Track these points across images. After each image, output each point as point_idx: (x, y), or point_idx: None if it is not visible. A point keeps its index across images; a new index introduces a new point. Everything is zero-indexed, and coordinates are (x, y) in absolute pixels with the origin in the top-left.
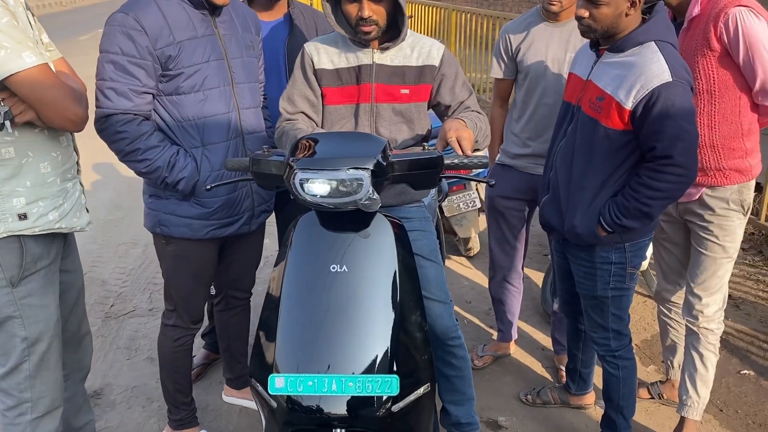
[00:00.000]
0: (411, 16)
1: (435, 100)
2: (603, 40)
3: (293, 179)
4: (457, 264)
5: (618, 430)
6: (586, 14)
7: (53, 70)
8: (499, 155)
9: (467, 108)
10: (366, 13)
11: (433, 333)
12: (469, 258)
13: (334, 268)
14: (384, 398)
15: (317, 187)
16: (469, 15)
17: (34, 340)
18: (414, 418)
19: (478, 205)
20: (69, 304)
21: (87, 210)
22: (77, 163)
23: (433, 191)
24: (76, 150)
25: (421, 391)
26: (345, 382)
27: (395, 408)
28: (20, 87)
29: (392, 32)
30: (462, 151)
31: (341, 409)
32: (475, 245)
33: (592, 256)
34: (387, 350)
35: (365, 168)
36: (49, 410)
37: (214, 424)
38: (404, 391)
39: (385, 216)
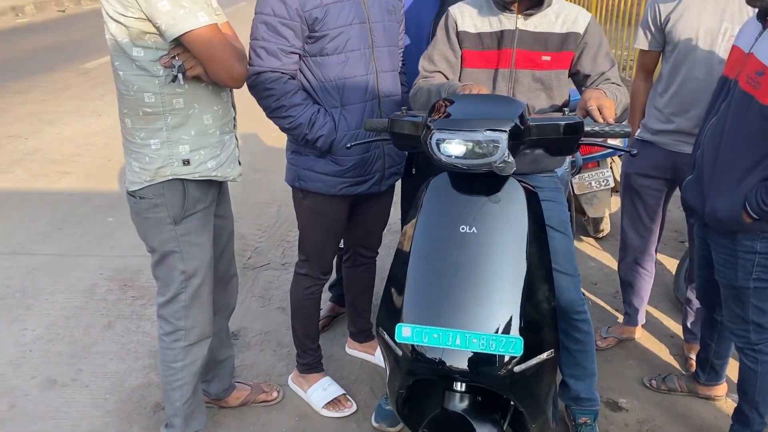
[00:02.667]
0: None
1: (575, 68)
2: None
3: (430, 139)
4: (584, 244)
5: (751, 425)
6: None
7: (221, 32)
8: (639, 130)
9: (607, 80)
10: None
11: (558, 305)
12: (597, 239)
13: (463, 228)
14: (506, 358)
15: (453, 147)
16: None
17: (191, 274)
18: (535, 382)
19: (612, 185)
20: (220, 246)
21: (240, 163)
22: (234, 118)
23: (567, 163)
24: (233, 106)
25: (544, 356)
26: (469, 338)
27: (517, 369)
28: (193, 43)
29: None
30: (603, 119)
31: (463, 364)
32: (606, 226)
33: (734, 243)
34: (513, 313)
35: (502, 130)
36: (200, 339)
37: (337, 373)
38: (527, 354)
39: (519, 182)
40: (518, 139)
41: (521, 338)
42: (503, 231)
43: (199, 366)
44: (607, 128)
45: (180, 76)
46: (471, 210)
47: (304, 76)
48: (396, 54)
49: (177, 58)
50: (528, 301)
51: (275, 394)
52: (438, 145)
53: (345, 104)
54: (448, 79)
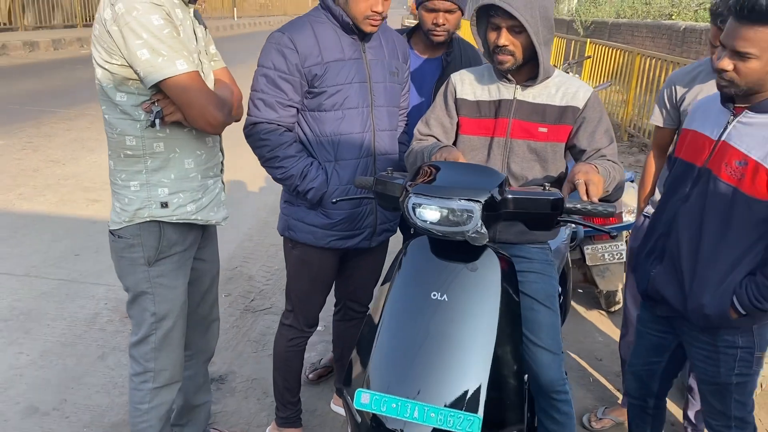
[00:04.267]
0: (590, 57)
1: (572, 141)
2: (740, 98)
3: (407, 202)
4: (594, 317)
5: None
6: (730, 67)
7: (202, 78)
8: (647, 207)
9: (603, 156)
10: (502, 41)
11: (537, 382)
12: (609, 313)
13: (434, 295)
14: None
15: (428, 213)
16: (653, 60)
17: (162, 316)
18: None
19: (625, 258)
20: (201, 290)
21: (224, 207)
22: (222, 163)
23: (565, 235)
24: (222, 151)
25: None
26: (427, 412)
27: None
28: (171, 90)
29: (537, 70)
30: (587, 197)
31: None
32: (619, 301)
33: (715, 339)
34: (477, 388)
35: (476, 200)
36: (168, 383)
37: (317, 429)
38: (489, 431)
39: (496, 252)
40: (493, 211)
41: (479, 417)
42: (474, 301)
43: (165, 410)
44: (589, 206)
45: (157, 121)
46: (445, 276)
47: (302, 129)
48: (396, 114)
49: (156, 104)
50: (494, 376)
51: None
52: (414, 209)
53: (339, 159)
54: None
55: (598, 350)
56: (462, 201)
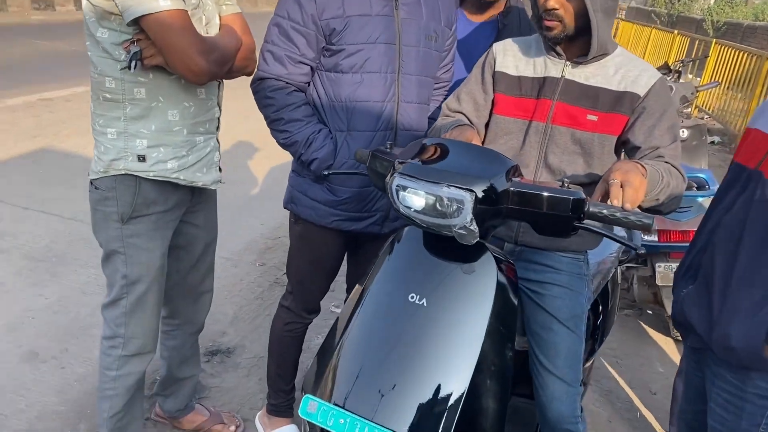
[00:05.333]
0: (707, 56)
1: (626, 135)
2: None
3: (392, 183)
4: (659, 344)
5: None
6: None
7: (189, 18)
8: None
9: (660, 157)
10: (551, 3)
11: (544, 414)
12: (676, 341)
13: (413, 298)
14: None
15: (413, 198)
16: None
17: (133, 280)
18: None
19: None
20: (192, 258)
21: (220, 169)
22: (218, 119)
23: (613, 247)
24: (219, 106)
25: None
26: None
27: None
28: (150, 29)
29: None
30: (619, 201)
31: None
32: None
33: (743, 382)
34: (444, 416)
35: (468, 189)
36: (139, 352)
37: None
38: None
39: (497, 257)
40: (491, 204)
41: None
42: (458, 311)
43: (135, 380)
44: (618, 213)
45: (135, 63)
46: (432, 277)
47: (315, 91)
48: (429, 85)
49: (136, 44)
50: (469, 404)
51: (232, 428)
52: (398, 191)
53: (352, 129)
54: (471, 122)
55: (654, 382)
56: (452, 188)
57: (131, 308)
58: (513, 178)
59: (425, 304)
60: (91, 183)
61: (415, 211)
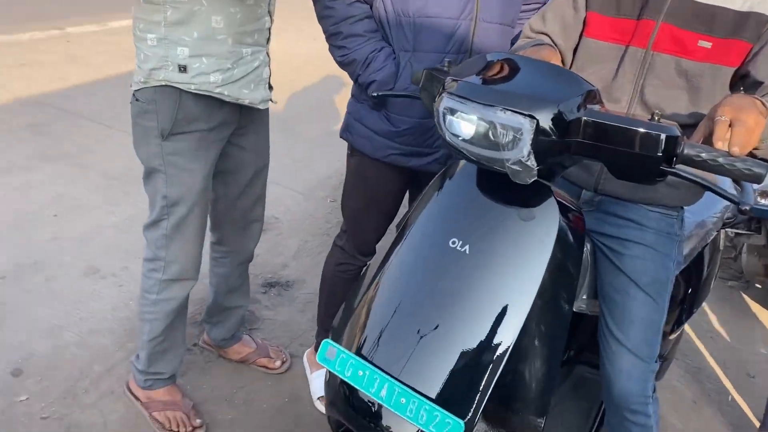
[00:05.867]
0: None
1: (745, 68)
2: None
3: (439, 105)
4: (764, 323)
5: None
6: None
7: None
8: None
9: None
10: None
11: (609, 389)
12: None
13: (453, 243)
14: None
15: (461, 124)
16: None
17: (174, 201)
18: None
19: None
20: (240, 183)
21: (270, 87)
22: (269, 30)
23: (718, 206)
24: (270, 15)
25: None
26: (398, 395)
27: None
28: None
29: None
30: (725, 144)
31: (386, 427)
32: None
33: None
34: (476, 382)
35: (528, 115)
36: (179, 278)
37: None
38: None
39: (563, 202)
40: (556, 137)
41: (461, 424)
42: (505, 262)
43: (175, 306)
44: (720, 159)
45: None
46: (478, 220)
47: (383, 5)
48: (516, 4)
49: None
50: (510, 369)
51: (278, 363)
52: (445, 115)
53: (418, 49)
54: (556, 45)
55: (754, 364)
56: (509, 113)
57: (172, 231)
58: (589, 106)
59: (467, 252)
60: (133, 95)
61: (464, 140)
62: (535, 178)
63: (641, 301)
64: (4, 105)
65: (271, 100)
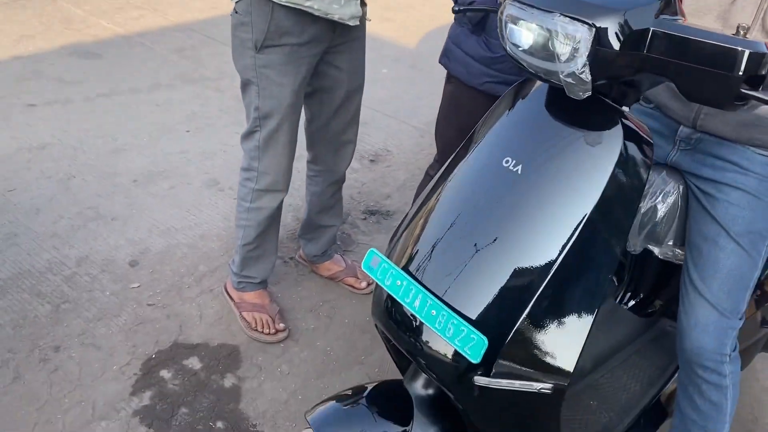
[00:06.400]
0: None
1: None
2: None
3: (501, 12)
4: None
5: None
6: None
7: None
8: None
9: None
10: None
11: (682, 341)
12: None
13: (507, 162)
14: (463, 357)
15: (521, 31)
16: None
17: (265, 113)
18: (510, 416)
19: None
20: (333, 104)
21: (365, 3)
22: None
23: None
24: None
25: (534, 386)
26: (429, 307)
27: (478, 381)
28: None
29: None
30: None
31: (426, 342)
32: None
33: None
34: (508, 304)
35: (586, 22)
36: (270, 189)
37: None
38: (498, 369)
39: (631, 127)
40: (621, 49)
41: (485, 340)
42: (556, 187)
43: (267, 215)
44: None
45: None
46: (537, 141)
47: None
48: None
49: None
50: (544, 301)
51: (364, 284)
52: (506, 23)
53: None
54: None
55: None
56: (565, 18)
57: (264, 143)
58: (663, 17)
59: (519, 172)
60: (234, 8)
61: (523, 50)
62: (589, 92)
63: (730, 251)
64: (159, 29)
65: (363, 18)
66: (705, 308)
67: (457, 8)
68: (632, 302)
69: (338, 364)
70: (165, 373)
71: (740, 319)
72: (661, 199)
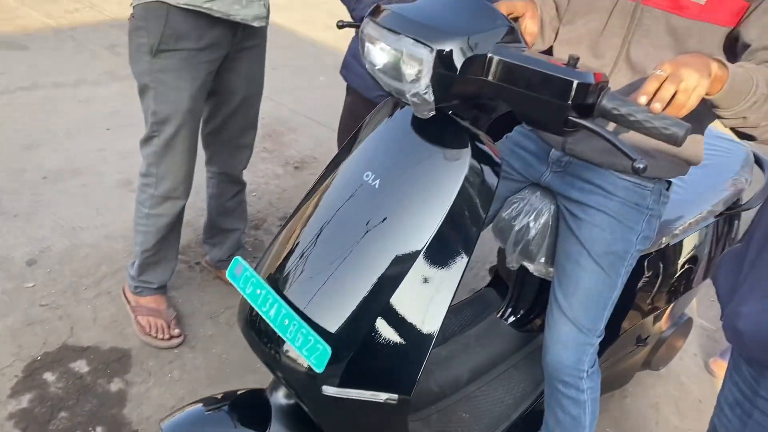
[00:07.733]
0: None
1: (736, 30)
2: None
3: (362, 30)
4: None
5: None
6: None
7: None
8: None
9: (766, 62)
10: None
11: (544, 355)
12: None
13: (367, 176)
14: (310, 366)
15: (375, 51)
16: None
17: (163, 118)
18: (357, 425)
19: None
20: (229, 108)
21: (266, 6)
22: None
23: (722, 183)
24: None
25: (381, 396)
26: (282, 316)
27: (326, 390)
28: None
29: None
30: (649, 100)
31: (278, 350)
32: None
33: (757, 382)
34: (361, 317)
35: (428, 45)
36: (170, 196)
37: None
38: (346, 378)
39: (481, 147)
40: (461, 73)
41: (328, 350)
42: (408, 200)
43: (166, 222)
44: (638, 115)
45: None
46: (397, 155)
47: None
48: None
49: None
50: (391, 314)
51: None
52: (364, 42)
53: None
54: None
55: None
56: (412, 42)
57: (161, 149)
58: (507, 44)
59: (377, 186)
60: (132, 13)
61: (378, 69)
62: (433, 112)
63: (591, 270)
64: (93, 24)
65: (266, 17)
66: (566, 325)
67: (341, 23)
68: (513, 318)
69: (232, 371)
70: (48, 376)
71: (598, 336)
72: (534, 217)
